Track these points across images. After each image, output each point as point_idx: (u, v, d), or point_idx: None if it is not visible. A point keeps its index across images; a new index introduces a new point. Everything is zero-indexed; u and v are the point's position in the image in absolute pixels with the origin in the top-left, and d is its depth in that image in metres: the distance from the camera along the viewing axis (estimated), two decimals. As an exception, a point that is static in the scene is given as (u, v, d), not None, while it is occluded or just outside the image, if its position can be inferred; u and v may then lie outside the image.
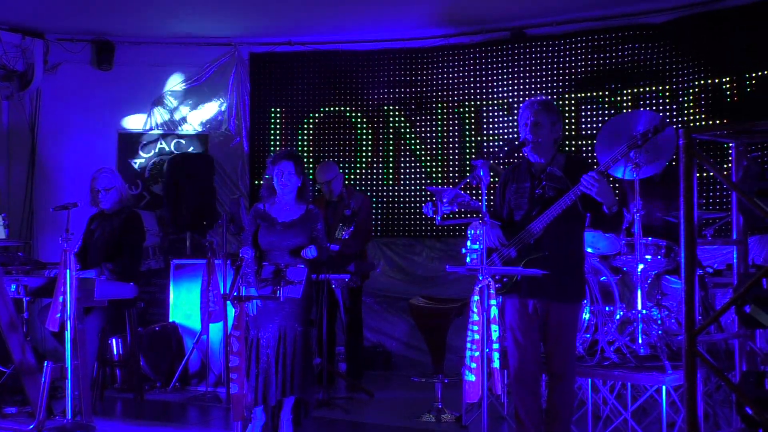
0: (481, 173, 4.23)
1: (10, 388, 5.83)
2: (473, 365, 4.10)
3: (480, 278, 4.15)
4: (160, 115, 8.93)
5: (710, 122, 7.33)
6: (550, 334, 4.50)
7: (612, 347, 5.17)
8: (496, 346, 4.15)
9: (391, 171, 8.71)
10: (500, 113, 8.34)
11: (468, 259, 4.60)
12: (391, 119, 8.73)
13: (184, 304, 7.39)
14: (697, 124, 7.42)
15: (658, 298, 5.59)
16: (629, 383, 5.07)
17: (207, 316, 6.62)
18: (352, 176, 8.71)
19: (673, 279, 5.76)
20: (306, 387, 5.14)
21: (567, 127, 8.01)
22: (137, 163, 8.86)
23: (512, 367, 4.55)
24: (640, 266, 5.17)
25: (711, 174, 7.09)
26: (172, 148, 8.81)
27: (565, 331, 4.49)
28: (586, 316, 5.33)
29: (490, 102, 8.41)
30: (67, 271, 5.15)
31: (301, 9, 7.89)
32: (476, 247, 4.49)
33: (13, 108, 8.73)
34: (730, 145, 4.31)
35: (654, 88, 7.70)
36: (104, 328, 6.24)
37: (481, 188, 4.24)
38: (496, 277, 4.45)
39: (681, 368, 3.53)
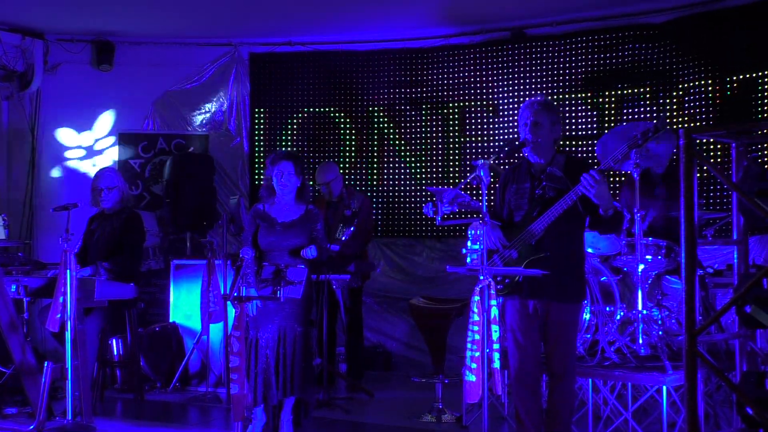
0: (482, 173, 4.22)
1: (10, 389, 5.83)
2: (474, 365, 4.10)
3: (480, 278, 4.15)
4: (160, 115, 8.93)
5: (710, 122, 7.32)
6: (551, 334, 4.49)
7: (612, 347, 5.16)
8: (496, 346, 4.15)
9: (391, 171, 8.70)
10: (495, 114, 8.34)
11: (468, 260, 4.59)
12: (390, 119, 8.73)
13: (184, 304, 7.39)
14: (698, 124, 7.42)
15: (658, 298, 5.58)
16: (630, 383, 5.07)
17: (207, 317, 6.62)
18: (352, 176, 8.70)
19: (673, 279, 5.75)
20: (306, 387, 5.14)
21: (567, 127, 8.01)
22: (137, 163, 8.86)
23: (512, 368, 4.55)
24: (641, 266, 5.16)
25: (711, 174, 7.09)
26: (172, 148, 8.81)
27: (565, 331, 4.49)
28: (587, 316, 5.33)
29: (491, 102, 8.41)
30: (67, 271, 5.15)
31: (301, 9, 7.89)
32: (476, 247, 4.48)
33: (13, 108, 8.72)
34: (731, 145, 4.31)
35: (654, 88, 7.69)
36: (104, 328, 6.25)
37: (481, 188, 4.23)
38: (498, 279, 4.45)
39: (681, 368, 3.53)
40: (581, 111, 8.06)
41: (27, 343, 5.54)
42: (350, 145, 8.80)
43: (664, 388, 4.87)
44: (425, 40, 8.62)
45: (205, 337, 6.95)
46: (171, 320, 7.38)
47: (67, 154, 8.82)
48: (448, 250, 8.30)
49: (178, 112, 8.95)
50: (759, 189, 3.71)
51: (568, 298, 4.49)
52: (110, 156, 8.82)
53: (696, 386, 3.19)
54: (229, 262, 6.69)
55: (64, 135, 8.82)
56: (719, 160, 7.13)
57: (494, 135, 8.36)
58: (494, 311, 4.16)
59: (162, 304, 7.65)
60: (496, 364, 4.16)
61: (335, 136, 8.84)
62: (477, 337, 4.11)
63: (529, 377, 4.52)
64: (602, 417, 5.24)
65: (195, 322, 7.13)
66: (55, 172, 8.84)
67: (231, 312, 5.77)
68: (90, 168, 8.65)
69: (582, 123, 8.06)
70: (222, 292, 6.51)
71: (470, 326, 4.14)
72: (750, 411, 3.29)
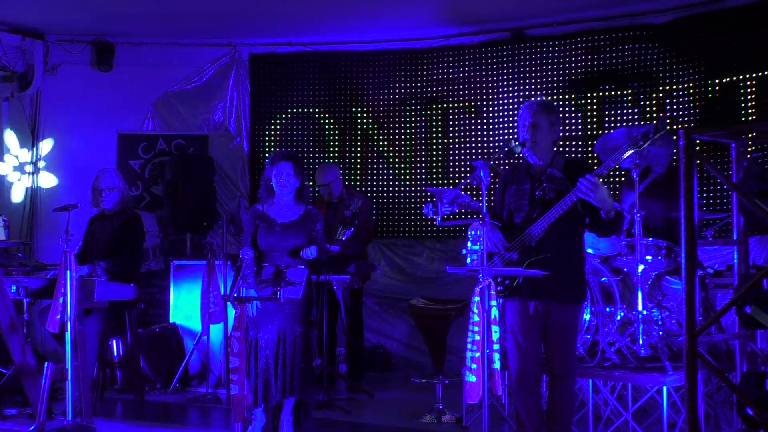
0: (482, 174, 4.22)
1: (10, 390, 5.83)
2: (474, 366, 4.10)
3: (480, 279, 4.15)
4: (160, 115, 8.93)
5: (710, 123, 7.32)
6: (551, 335, 4.49)
7: (613, 348, 5.16)
8: (496, 347, 4.15)
9: (391, 171, 8.70)
10: (500, 114, 8.34)
11: (468, 260, 4.59)
12: (390, 119, 8.72)
13: (184, 305, 7.39)
14: (698, 124, 7.42)
15: (658, 298, 5.58)
16: (630, 384, 5.07)
17: (207, 317, 6.63)
18: (353, 177, 8.70)
19: (673, 280, 5.75)
20: (306, 388, 5.14)
21: (567, 127, 8.01)
22: (137, 164, 8.86)
23: (513, 369, 4.55)
24: (641, 267, 5.16)
25: (711, 174, 7.09)
26: (172, 148, 8.80)
27: (565, 332, 4.48)
28: (587, 317, 5.33)
29: (491, 102, 8.40)
30: (68, 272, 5.14)
31: (301, 9, 7.89)
32: (477, 247, 4.48)
33: (13, 109, 8.72)
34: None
35: (654, 89, 7.70)
36: (104, 329, 6.25)
37: (481, 189, 4.23)
38: (498, 280, 4.45)
39: (682, 369, 3.53)
40: (581, 111, 8.05)
41: (27, 343, 5.54)
42: (350, 146, 8.80)
43: (665, 388, 4.87)
44: (425, 40, 8.62)
45: (205, 337, 6.95)
46: (171, 321, 7.38)
47: (67, 154, 8.82)
48: (448, 251, 8.30)
49: (178, 112, 8.96)
50: (759, 189, 3.70)
51: (569, 300, 4.48)
52: (110, 156, 8.77)
53: (696, 387, 3.19)
54: (229, 263, 6.69)
55: (64, 135, 8.83)
56: (719, 160, 7.13)
57: (494, 135, 8.36)
58: (494, 312, 4.16)
59: (162, 305, 7.64)
60: (497, 365, 4.15)
61: (335, 137, 8.83)
62: (477, 337, 4.11)
63: (530, 378, 4.51)
64: (602, 418, 5.24)
65: (195, 323, 7.13)
66: (55, 173, 8.84)
67: (231, 313, 5.77)
68: (90, 169, 8.63)
69: (582, 124, 8.06)
70: (222, 292, 6.51)
71: (470, 327, 4.14)
72: (750, 412, 3.29)
